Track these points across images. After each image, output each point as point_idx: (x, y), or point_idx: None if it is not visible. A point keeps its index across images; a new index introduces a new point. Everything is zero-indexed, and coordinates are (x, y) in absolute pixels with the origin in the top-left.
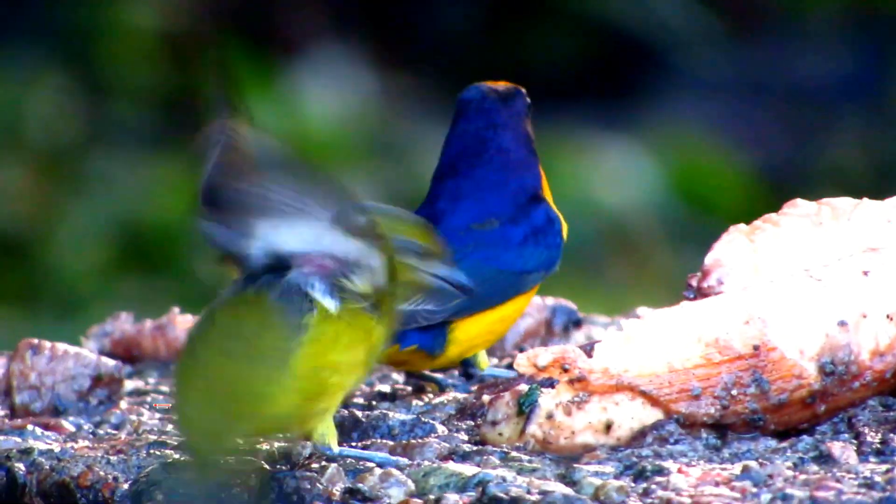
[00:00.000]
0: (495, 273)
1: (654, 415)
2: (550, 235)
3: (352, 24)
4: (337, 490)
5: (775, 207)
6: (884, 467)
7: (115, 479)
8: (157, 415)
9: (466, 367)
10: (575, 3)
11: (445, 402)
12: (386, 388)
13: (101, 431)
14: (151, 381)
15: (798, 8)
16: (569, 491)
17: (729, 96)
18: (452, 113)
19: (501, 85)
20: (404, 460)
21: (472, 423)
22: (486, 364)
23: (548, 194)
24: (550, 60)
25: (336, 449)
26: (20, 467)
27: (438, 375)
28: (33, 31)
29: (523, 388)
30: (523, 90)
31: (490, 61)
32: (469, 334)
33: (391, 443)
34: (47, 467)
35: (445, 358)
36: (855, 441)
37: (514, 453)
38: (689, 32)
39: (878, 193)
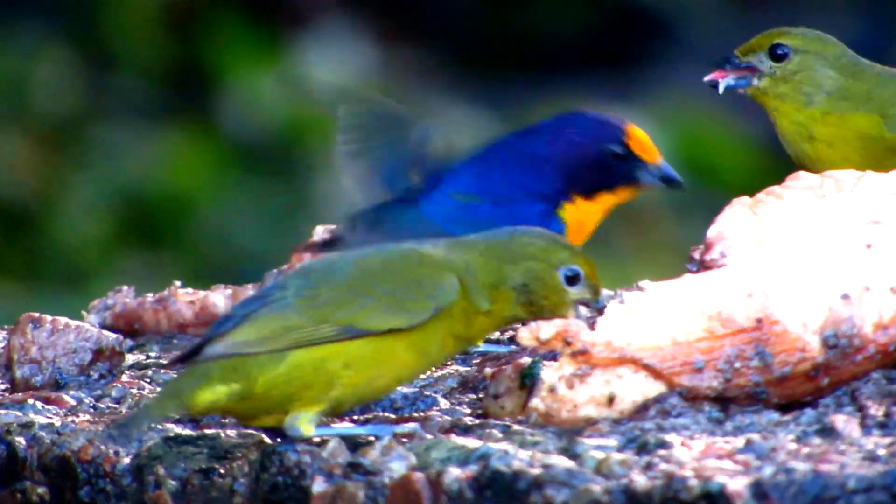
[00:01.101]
0: (432, 228)
1: (656, 388)
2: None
3: None
4: (338, 464)
5: (780, 179)
6: (887, 440)
7: (116, 453)
8: (158, 388)
9: None
10: None
11: (447, 375)
12: None
13: (101, 405)
14: (153, 354)
15: None
16: (571, 464)
17: None
18: (459, 85)
19: (602, 116)
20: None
21: (475, 397)
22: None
23: (577, 230)
24: (556, 30)
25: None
26: (21, 441)
27: None
28: (36, 2)
29: (525, 361)
30: (621, 131)
31: (495, 32)
32: None
33: (393, 416)
34: (48, 441)
35: None
36: (858, 414)
37: (516, 427)
38: (696, 2)
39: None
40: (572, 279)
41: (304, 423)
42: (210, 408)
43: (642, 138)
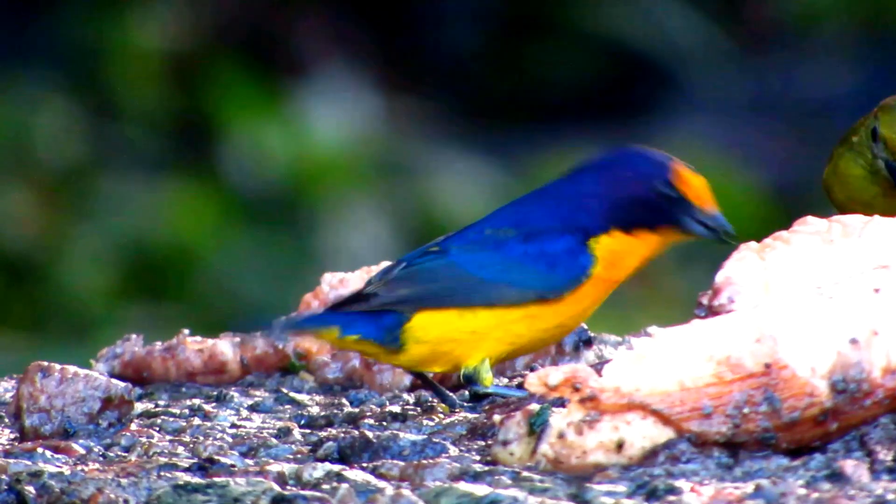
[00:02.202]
0: (461, 274)
1: (665, 433)
2: (561, 265)
3: (358, 46)
4: None
5: (786, 225)
6: None
7: (126, 501)
8: (168, 437)
9: (469, 384)
10: (583, 21)
11: (456, 422)
12: (396, 409)
13: (111, 454)
14: (161, 402)
15: (807, 24)
16: None
17: (739, 114)
18: (462, 134)
19: (652, 154)
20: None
21: (484, 443)
22: (490, 381)
23: (609, 253)
24: (559, 80)
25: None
26: (30, 490)
27: (451, 395)
28: (40, 53)
29: (534, 407)
30: (671, 171)
31: (498, 82)
32: (430, 334)
33: (402, 463)
34: (57, 490)
35: (409, 357)
36: (867, 459)
37: (525, 473)
38: (699, 50)
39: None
40: None
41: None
42: None
43: (695, 182)
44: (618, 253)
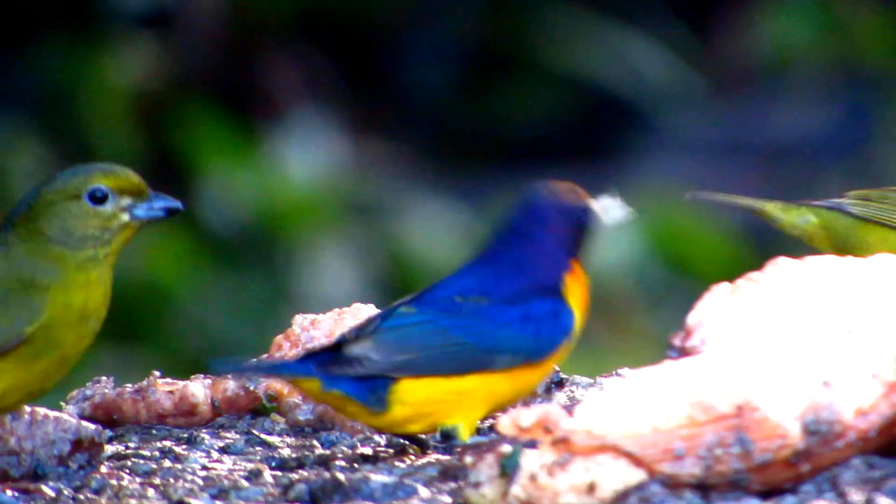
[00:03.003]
0: (455, 340)
1: (637, 475)
2: (547, 328)
3: (330, 88)
4: None
5: (758, 266)
6: None
7: None
8: (138, 479)
9: (447, 439)
10: (554, 61)
11: (428, 463)
12: (368, 451)
13: (81, 496)
14: (132, 445)
15: (779, 65)
16: None
17: (710, 154)
18: (432, 176)
19: (568, 191)
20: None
21: (455, 485)
22: (468, 437)
23: (576, 294)
24: (529, 120)
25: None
26: None
27: (422, 436)
28: (12, 96)
29: (506, 449)
30: (588, 206)
31: (468, 122)
32: (417, 397)
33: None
34: None
35: (391, 418)
36: (839, 500)
37: None
38: (671, 90)
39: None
40: (100, 199)
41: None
42: None
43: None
44: (581, 286)
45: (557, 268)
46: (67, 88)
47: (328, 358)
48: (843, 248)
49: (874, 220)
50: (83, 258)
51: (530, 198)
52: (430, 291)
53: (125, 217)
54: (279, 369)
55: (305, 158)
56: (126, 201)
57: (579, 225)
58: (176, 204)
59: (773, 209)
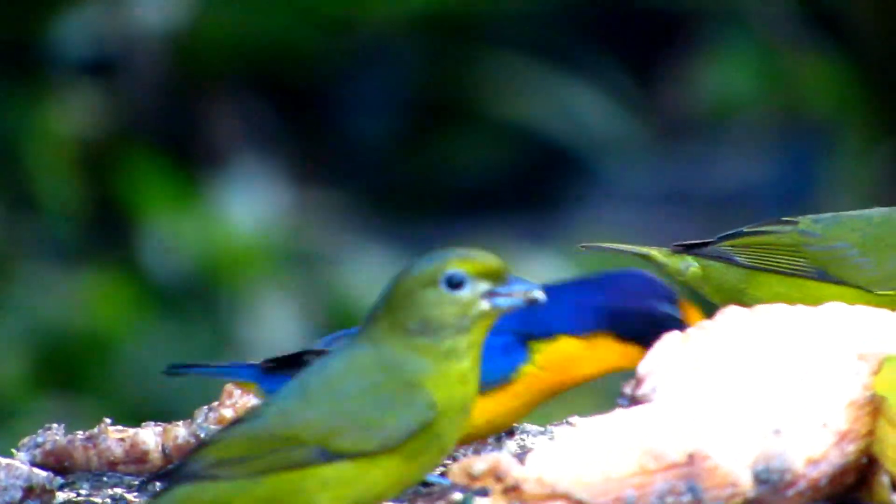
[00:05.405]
0: None
1: None
2: (493, 361)
3: (272, 136)
4: None
5: (708, 315)
6: None
7: None
8: None
9: None
10: (497, 110)
11: None
12: None
13: None
14: (83, 492)
15: (722, 115)
16: None
17: (653, 204)
18: (375, 225)
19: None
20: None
21: None
22: None
23: (560, 367)
24: (472, 169)
25: None
26: None
27: None
28: None
29: (457, 497)
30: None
31: (410, 171)
32: None
33: None
34: None
35: None
36: None
37: None
38: (614, 140)
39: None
40: (456, 284)
41: None
42: None
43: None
44: (569, 357)
45: (544, 324)
46: (9, 136)
47: (277, 365)
48: (726, 296)
49: (759, 267)
50: (446, 349)
51: (625, 269)
52: None
53: (485, 305)
54: (225, 372)
55: (248, 207)
56: (484, 286)
57: (640, 314)
58: (537, 293)
59: (658, 255)
